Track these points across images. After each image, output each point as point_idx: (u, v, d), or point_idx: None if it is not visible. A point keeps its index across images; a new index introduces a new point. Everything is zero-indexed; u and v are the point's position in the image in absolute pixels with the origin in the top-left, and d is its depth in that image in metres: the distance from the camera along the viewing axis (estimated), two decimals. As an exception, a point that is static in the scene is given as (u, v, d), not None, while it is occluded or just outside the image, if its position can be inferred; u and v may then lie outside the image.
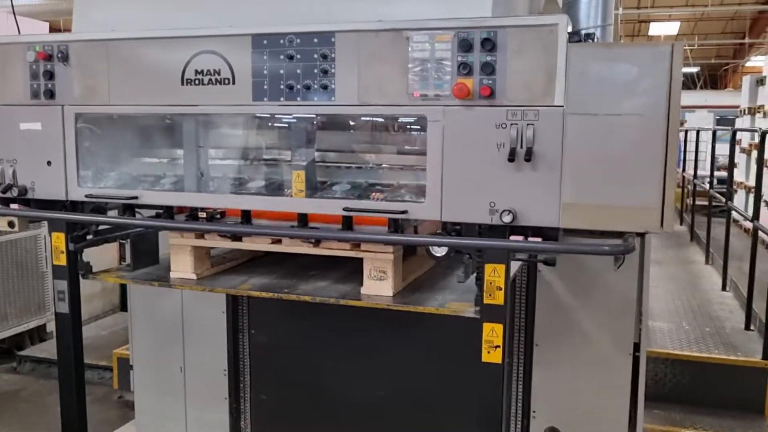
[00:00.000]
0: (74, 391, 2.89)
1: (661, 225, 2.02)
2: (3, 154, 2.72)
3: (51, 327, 6.34)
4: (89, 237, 2.82)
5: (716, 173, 10.65)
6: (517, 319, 3.47)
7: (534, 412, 3.48)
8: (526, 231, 2.17)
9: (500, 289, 2.23)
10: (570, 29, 2.10)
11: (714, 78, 30.53)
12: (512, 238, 2.17)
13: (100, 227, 2.85)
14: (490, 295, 2.25)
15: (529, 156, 2.08)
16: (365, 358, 3.72)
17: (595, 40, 2.43)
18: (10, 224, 2.88)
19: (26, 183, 2.70)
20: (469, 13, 2.18)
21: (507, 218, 2.12)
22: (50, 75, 2.60)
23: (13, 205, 2.75)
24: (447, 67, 2.15)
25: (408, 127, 2.52)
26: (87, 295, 6.52)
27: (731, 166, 6.42)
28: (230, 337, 3.95)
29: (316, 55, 2.29)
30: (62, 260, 2.76)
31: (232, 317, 3.94)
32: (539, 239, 2.16)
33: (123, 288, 7.21)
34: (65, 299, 2.81)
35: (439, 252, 2.27)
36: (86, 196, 2.63)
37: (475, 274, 2.33)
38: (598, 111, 2.02)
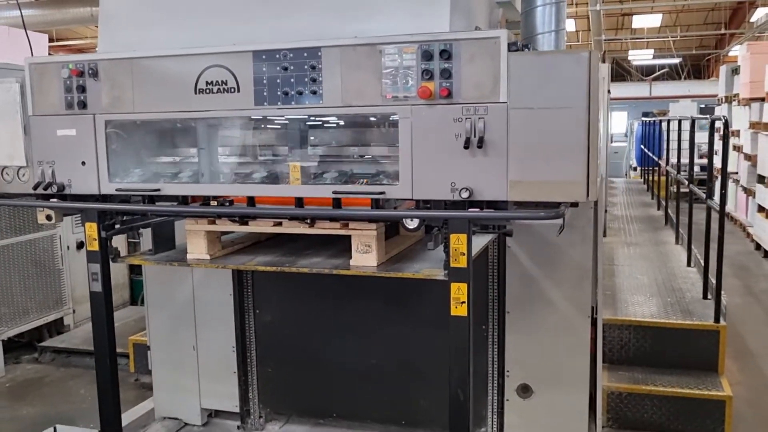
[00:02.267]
0: (108, 358, 3.32)
1: (587, 196, 2.49)
2: (43, 157, 3.14)
3: (68, 320, 6.75)
4: (117, 226, 3.29)
5: (698, 161, 11.07)
6: (491, 290, 3.91)
7: (508, 371, 3.92)
8: (482, 204, 2.63)
9: (463, 254, 2.70)
10: (512, 39, 2.58)
11: (698, 68, 30.97)
12: (470, 210, 2.65)
13: (126, 217, 3.31)
14: (455, 259, 2.72)
15: (481, 144, 2.54)
16: (358, 330, 4.13)
17: (531, 49, 2.89)
18: (48, 217, 3.34)
19: (64, 181, 3.13)
20: (431, 29, 2.63)
21: (465, 194, 2.59)
22: (82, 88, 3.04)
23: (53, 200, 3.21)
24: (413, 73, 2.60)
25: (383, 123, 2.98)
26: (99, 291, 6.96)
27: (692, 150, 6.84)
28: (237, 316, 4.35)
29: (306, 67, 2.73)
30: (95, 246, 3.21)
31: (238, 299, 4.33)
32: (492, 210, 2.64)
33: (132, 283, 7.65)
34: (98, 279, 3.25)
35: (412, 224, 2.74)
36: (116, 190, 3.07)
37: (443, 245, 2.80)
38: (534, 105, 2.48)
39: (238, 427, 4.52)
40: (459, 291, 2.74)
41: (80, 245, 6.75)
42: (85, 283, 6.74)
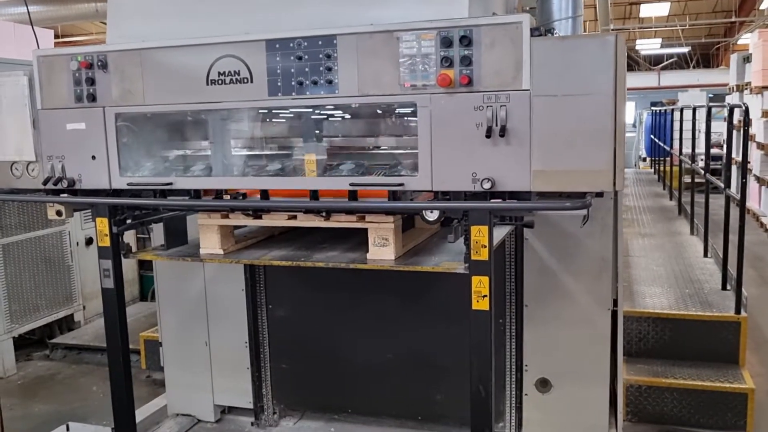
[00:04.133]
0: (120, 354, 3.27)
1: (614, 185, 2.41)
2: (52, 151, 3.09)
3: (78, 317, 6.72)
4: (128, 222, 3.23)
5: (712, 151, 10.92)
6: (508, 283, 3.84)
7: (526, 366, 3.85)
8: (504, 195, 2.56)
9: (485, 246, 2.63)
10: (534, 25, 2.50)
11: (707, 57, 30.72)
12: (492, 201, 2.57)
13: (137, 212, 3.25)
14: (476, 252, 2.65)
15: (503, 132, 2.47)
16: (374, 325, 4.06)
17: (554, 34, 2.82)
18: (58, 213, 3.28)
19: (74, 175, 3.07)
20: (450, 14, 2.55)
21: (487, 185, 2.52)
22: (92, 81, 2.97)
23: (63, 195, 3.15)
24: (432, 60, 2.53)
25: (401, 113, 2.91)
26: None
27: (708, 139, 6.73)
28: (250, 312, 4.29)
29: (321, 55, 2.67)
30: (106, 242, 3.15)
31: (251, 294, 4.27)
32: (514, 201, 2.57)
33: (142, 279, 7.62)
34: (110, 276, 3.19)
35: (432, 216, 2.67)
36: (127, 184, 3.01)
37: (463, 237, 2.73)
38: (558, 92, 2.41)
39: (252, 424, 4.47)
40: (480, 284, 2.67)
41: (89, 241, 6.71)
42: (95, 280, 6.76)
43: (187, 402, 4.57)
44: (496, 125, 2.47)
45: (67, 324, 6.67)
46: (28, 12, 4.64)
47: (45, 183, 3.09)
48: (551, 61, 2.40)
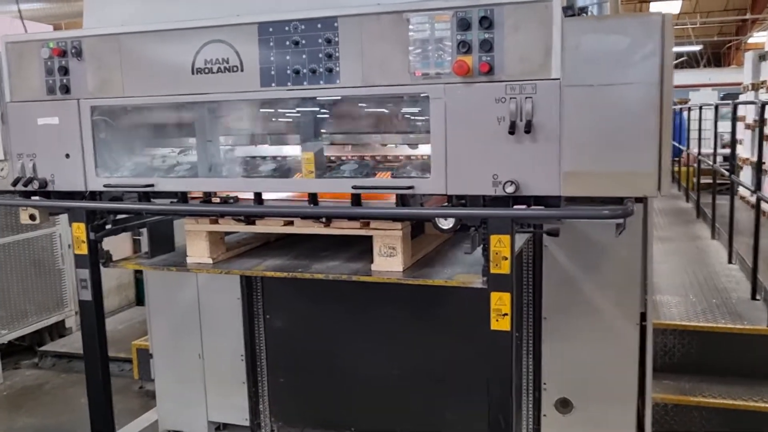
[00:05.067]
0: (100, 374, 2.99)
1: (659, 189, 2.09)
2: (23, 149, 2.80)
3: (70, 323, 6.45)
4: (108, 226, 2.92)
5: (721, 151, 10.63)
6: (525, 294, 3.55)
7: (545, 384, 3.56)
8: (529, 201, 2.25)
9: (506, 258, 2.32)
10: (564, 4, 2.17)
11: (717, 56, 30.32)
12: (515, 207, 2.25)
13: (118, 217, 2.95)
14: (496, 265, 2.33)
15: (528, 128, 2.16)
16: (379, 337, 3.80)
17: (589, 13, 2.49)
18: (32, 217, 2.98)
19: (46, 176, 2.78)
20: (467, -7, 2.25)
21: (510, 189, 2.20)
22: (65, 70, 2.69)
23: (34, 198, 2.85)
24: (447, 45, 2.22)
25: (411, 105, 2.60)
26: (104, 291, 6.64)
27: (734, 139, 6.43)
28: (246, 322, 4.05)
29: (320, 40, 2.37)
30: (83, 249, 2.85)
31: (247, 303, 4.03)
32: (541, 207, 2.24)
33: (138, 283, 7.32)
34: (88, 287, 2.90)
35: (446, 224, 2.35)
36: (104, 186, 2.71)
37: (481, 246, 2.41)
38: (593, 82, 2.10)
39: (248, 441, 4.20)
40: (500, 301, 2.35)
41: (82, 244, 6.42)
42: (88, 284, 6.44)
43: (180, 417, 4.35)
44: (521, 120, 2.17)
45: (58, 330, 6.40)
46: (19, 9, 4.39)
47: (14, 184, 2.81)
48: (586, 46, 2.08)
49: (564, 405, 3.55)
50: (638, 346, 3.42)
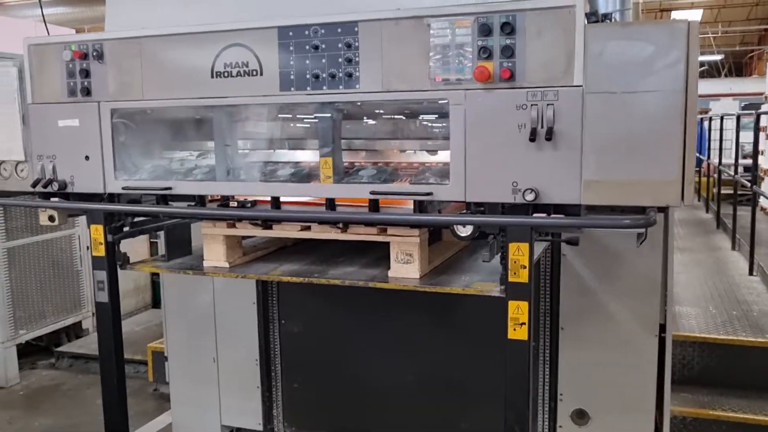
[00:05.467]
0: (115, 376, 2.98)
1: (682, 198, 2.05)
2: (43, 151, 2.81)
3: (87, 324, 6.48)
4: (126, 229, 2.93)
5: (743, 161, 10.50)
6: (542, 303, 3.50)
7: (561, 395, 3.51)
8: (549, 209, 2.21)
9: (524, 267, 2.28)
10: (588, 10, 2.15)
11: (739, 66, 30.01)
12: (534, 215, 2.22)
13: (136, 219, 2.95)
14: (514, 273, 2.30)
15: (549, 135, 2.12)
16: (394, 343, 3.75)
17: (613, 20, 2.46)
18: (51, 218, 2.99)
19: (66, 177, 2.79)
20: (488, -2, 2.23)
21: (529, 197, 2.17)
22: (86, 73, 2.69)
23: (53, 200, 2.86)
24: (467, 51, 2.20)
25: (431, 111, 2.58)
26: (121, 293, 6.67)
27: (756, 149, 6.35)
28: (261, 327, 4.02)
29: (340, 45, 2.35)
30: (101, 251, 2.86)
31: (262, 307, 4.01)
32: (561, 216, 2.21)
33: (155, 285, 7.35)
34: (104, 289, 2.90)
35: (465, 232, 2.32)
36: (123, 188, 2.72)
37: (499, 255, 2.38)
38: (617, 89, 2.06)
39: (261, 446, 4.18)
40: (518, 310, 2.32)
41: (100, 245, 6.46)
42: (105, 286, 6.47)
43: (194, 421, 4.33)
44: (542, 127, 2.14)
45: (75, 331, 6.43)
46: (41, 9, 4.43)
47: (34, 185, 2.81)
48: (610, 52, 2.05)
49: (580, 416, 3.49)
50: (657, 357, 3.38)
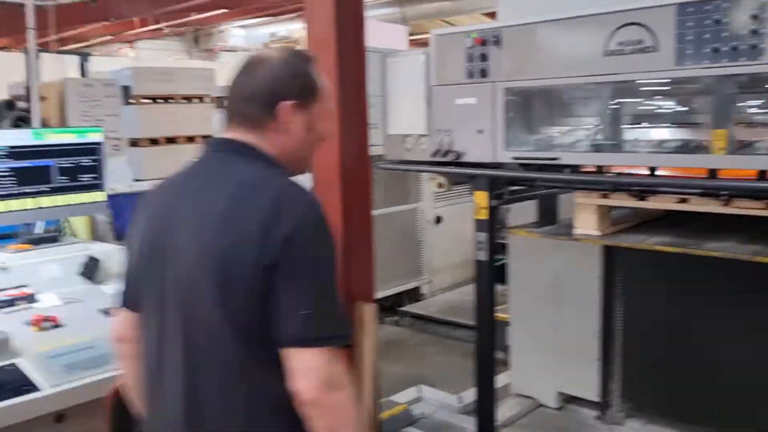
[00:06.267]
0: (487, 329, 3.33)
1: None
2: (441, 125, 3.25)
3: (424, 289, 7.16)
4: (505, 197, 3.28)
5: None
6: None
7: None
8: None
9: None
10: None
11: None
12: None
13: (513, 188, 3.29)
14: None
15: None
16: (757, 333, 3.54)
17: None
18: (440, 185, 3.49)
19: (460, 149, 3.22)
20: None
21: None
22: (483, 57, 3.05)
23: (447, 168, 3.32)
24: None
25: None
26: (451, 265, 7.30)
27: None
28: (603, 300, 4.10)
29: (744, 17, 2.37)
30: (483, 215, 3.23)
31: (605, 281, 4.09)
32: None
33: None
34: (484, 248, 3.28)
35: None
36: (512, 158, 3.05)
37: None
38: None
39: (596, 417, 4.31)
40: None
41: (438, 219, 7.13)
42: (442, 256, 7.15)
43: (530, 384, 4.59)
44: None
45: (414, 295, 7.15)
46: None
47: (433, 155, 3.28)
48: None
49: None
50: None
